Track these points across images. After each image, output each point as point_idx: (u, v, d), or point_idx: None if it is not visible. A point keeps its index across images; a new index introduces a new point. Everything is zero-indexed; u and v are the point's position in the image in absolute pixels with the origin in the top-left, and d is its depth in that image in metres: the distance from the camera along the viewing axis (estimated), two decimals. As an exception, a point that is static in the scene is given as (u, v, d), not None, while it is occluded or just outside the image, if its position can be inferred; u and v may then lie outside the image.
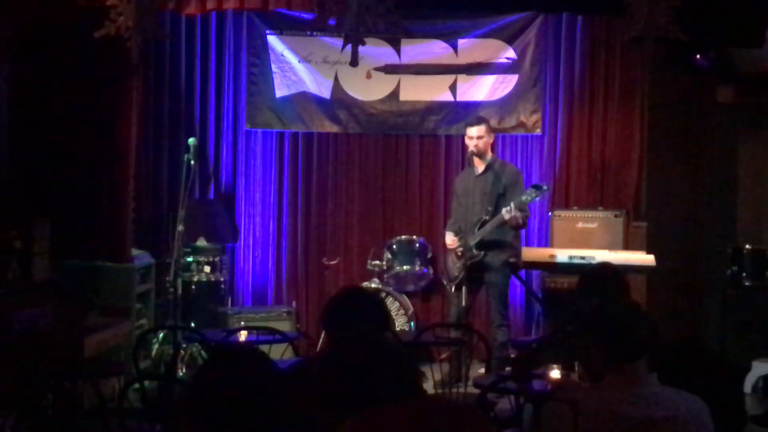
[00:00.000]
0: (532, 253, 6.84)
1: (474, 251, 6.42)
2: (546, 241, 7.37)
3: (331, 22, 5.78)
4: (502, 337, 6.47)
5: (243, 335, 5.22)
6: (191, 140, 6.52)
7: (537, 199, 6.39)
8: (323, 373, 2.36)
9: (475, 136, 6.54)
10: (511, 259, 6.41)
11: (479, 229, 6.44)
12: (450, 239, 6.60)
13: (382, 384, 2.30)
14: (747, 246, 6.97)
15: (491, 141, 6.72)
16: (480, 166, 6.60)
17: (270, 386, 2.34)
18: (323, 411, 2.34)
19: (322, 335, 6.57)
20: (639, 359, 2.87)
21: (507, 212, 6.27)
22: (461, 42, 7.65)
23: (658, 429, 2.80)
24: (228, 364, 2.37)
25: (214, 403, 2.29)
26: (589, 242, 6.88)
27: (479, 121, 6.71)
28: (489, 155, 6.68)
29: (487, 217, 6.43)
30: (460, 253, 6.49)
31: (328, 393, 2.33)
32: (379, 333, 2.52)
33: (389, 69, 7.68)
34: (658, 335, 2.98)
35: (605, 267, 4.40)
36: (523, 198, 6.31)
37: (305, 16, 7.09)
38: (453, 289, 6.62)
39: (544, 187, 6.40)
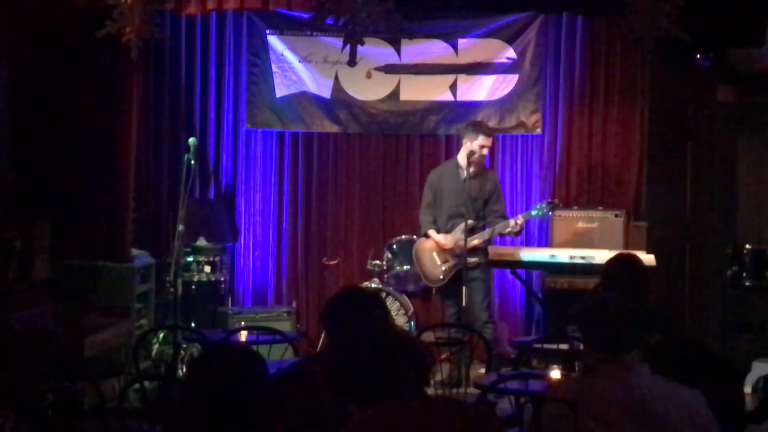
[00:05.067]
0: (532, 252, 6.84)
1: (469, 258, 6.40)
2: (546, 241, 7.37)
3: (329, 21, 5.78)
4: (489, 335, 6.48)
5: (243, 335, 5.22)
6: (191, 140, 6.53)
7: (550, 213, 6.51)
8: (338, 365, 2.36)
9: (488, 146, 6.65)
10: (492, 258, 6.54)
11: (468, 235, 6.42)
12: (443, 240, 6.60)
13: (397, 375, 2.31)
14: (747, 246, 6.97)
15: None
16: (471, 169, 6.55)
17: (261, 384, 2.34)
18: (336, 403, 2.35)
19: (322, 335, 6.57)
20: (624, 353, 3.00)
21: (516, 225, 6.46)
22: (461, 42, 7.64)
23: (650, 413, 2.88)
24: (219, 362, 2.38)
25: (206, 401, 2.29)
26: (589, 242, 6.88)
27: (493, 132, 6.92)
28: None
29: (474, 222, 6.47)
30: (453, 245, 6.51)
31: (342, 384, 2.34)
32: (394, 326, 2.53)
33: (389, 69, 7.68)
34: (651, 328, 3.09)
35: (627, 259, 4.36)
36: (533, 212, 6.41)
37: (305, 16, 7.08)
38: (435, 292, 6.67)
39: (555, 200, 6.54)
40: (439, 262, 6.65)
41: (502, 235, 6.72)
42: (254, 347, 4.68)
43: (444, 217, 6.69)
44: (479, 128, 6.75)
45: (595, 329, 3.09)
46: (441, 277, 6.63)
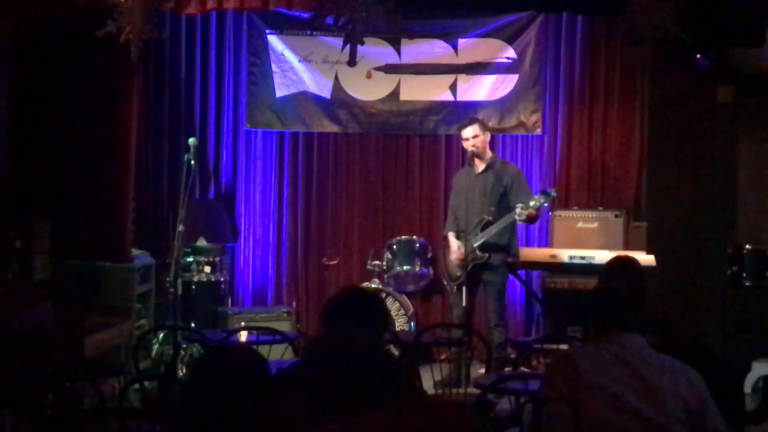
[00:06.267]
0: (532, 253, 6.84)
1: (478, 253, 6.42)
2: (546, 241, 7.36)
3: (329, 20, 5.78)
4: (499, 337, 6.47)
5: (243, 335, 5.22)
6: (191, 140, 6.52)
7: (546, 204, 6.45)
8: (304, 376, 2.34)
9: (470, 136, 6.56)
10: (509, 260, 6.47)
11: (482, 230, 6.44)
12: (456, 247, 6.58)
13: (367, 387, 2.28)
14: (747, 246, 6.96)
15: (488, 139, 6.75)
16: (480, 166, 6.61)
17: (262, 384, 2.34)
18: (306, 414, 2.33)
19: (322, 335, 6.56)
20: (617, 330, 3.15)
21: (523, 210, 6.26)
22: (461, 42, 7.64)
23: (635, 367, 3.05)
24: (220, 362, 2.37)
25: (207, 401, 2.29)
26: (589, 242, 6.87)
27: (471, 121, 6.77)
28: (488, 154, 6.69)
29: (489, 218, 6.44)
30: (463, 257, 6.48)
31: (310, 396, 2.31)
32: (367, 335, 2.49)
33: (389, 69, 7.68)
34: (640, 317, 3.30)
35: (625, 262, 4.44)
36: (531, 203, 6.34)
37: (305, 15, 7.09)
38: (455, 290, 6.63)
39: (553, 193, 6.48)
40: (457, 261, 6.66)
41: (531, 221, 6.59)
42: (255, 347, 4.68)
43: (463, 215, 6.65)
44: (459, 126, 6.84)
45: (599, 309, 3.24)
46: (459, 274, 6.61)
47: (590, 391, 3.02)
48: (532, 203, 6.33)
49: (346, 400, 2.27)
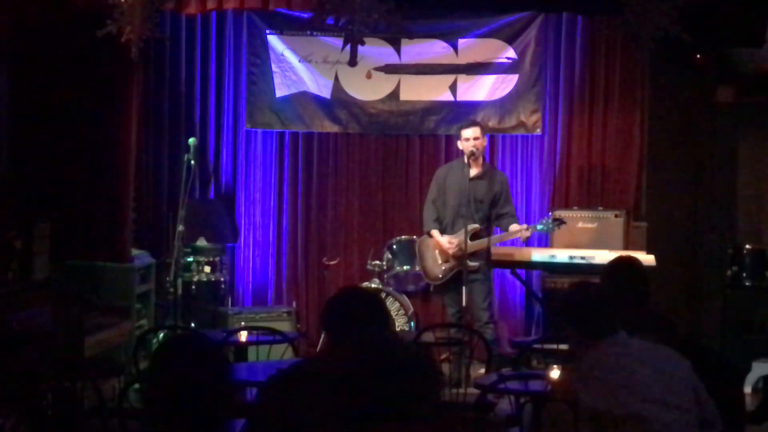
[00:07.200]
0: (532, 253, 6.83)
1: (469, 263, 6.37)
2: (546, 241, 7.36)
3: (330, 21, 5.79)
4: (490, 335, 6.45)
5: (243, 335, 5.23)
6: (191, 140, 6.53)
7: (552, 232, 6.55)
8: (354, 379, 2.30)
9: (471, 137, 6.52)
10: (492, 258, 6.51)
11: (472, 238, 6.40)
12: (447, 242, 6.55)
13: (403, 393, 2.26)
14: (747, 246, 6.96)
15: (485, 144, 6.74)
16: (475, 169, 6.55)
17: (217, 375, 2.34)
18: (335, 420, 2.30)
19: (322, 335, 6.57)
20: (605, 336, 3.10)
21: (525, 232, 6.44)
22: (461, 42, 7.64)
23: (635, 359, 3.06)
24: (176, 353, 2.38)
25: (163, 391, 2.30)
26: (589, 242, 6.87)
27: (474, 123, 6.76)
28: (481, 159, 6.67)
29: (479, 226, 6.44)
30: (453, 254, 6.49)
31: (360, 400, 2.28)
32: (398, 338, 2.46)
33: (389, 69, 7.67)
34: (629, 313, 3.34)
35: (627, 262, 4.41)
36: (539, 227, 6.40)
37: (305, 16, 7.08)
38: (432, 290, 6.65)
39: (563, 219, 6.55)
40: (440, 261, 6.63)
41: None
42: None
43: (449, 217, 6.62)
44: (460, 126, 6.77)
45: (577, 314, 3.20)
46: (440, 276, 6.61)
47: (624, 395, 3.00)
48: (540, 227, 6.45)
49: (384, 407, 2.24)
